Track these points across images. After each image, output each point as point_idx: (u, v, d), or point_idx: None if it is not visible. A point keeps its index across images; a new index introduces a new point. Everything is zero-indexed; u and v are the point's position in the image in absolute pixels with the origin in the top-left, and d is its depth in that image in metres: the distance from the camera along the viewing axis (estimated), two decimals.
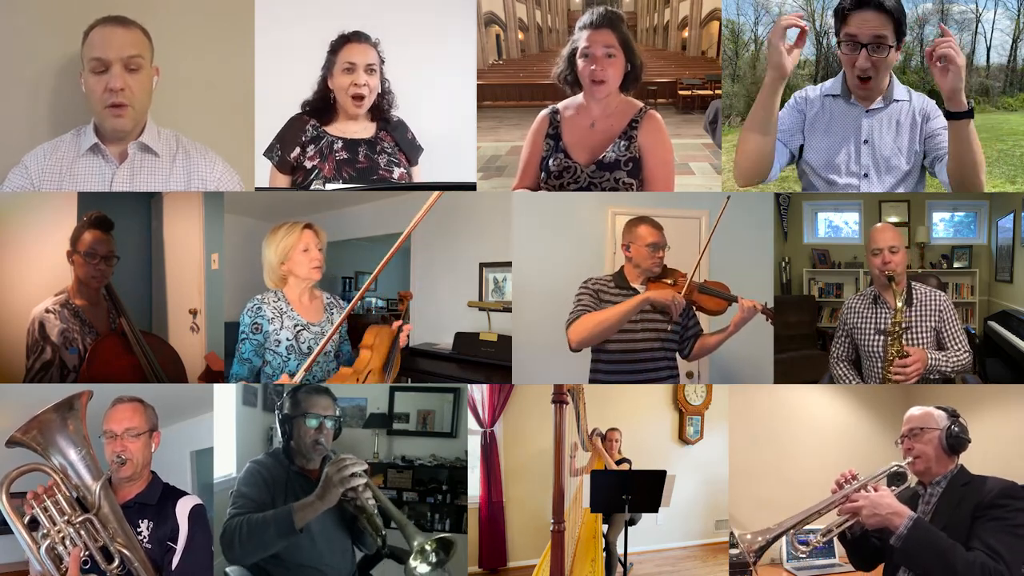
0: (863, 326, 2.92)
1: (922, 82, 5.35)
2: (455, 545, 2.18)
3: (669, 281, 2.89)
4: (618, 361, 2.86)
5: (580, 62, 2.75)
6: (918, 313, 2.86)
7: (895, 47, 2.59)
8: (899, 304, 2.77)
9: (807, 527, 2.22)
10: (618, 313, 2.73)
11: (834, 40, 2.72)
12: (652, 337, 2.87)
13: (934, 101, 2.74)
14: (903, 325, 2.78)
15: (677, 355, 3.01)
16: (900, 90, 2.77)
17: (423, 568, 2.14)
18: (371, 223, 4.93)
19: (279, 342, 2.57)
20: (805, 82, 5.44)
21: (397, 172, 3.07)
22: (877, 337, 2.88)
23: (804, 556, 2.24)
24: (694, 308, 2.93)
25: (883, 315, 2.89)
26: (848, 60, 2.63)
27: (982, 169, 2.58)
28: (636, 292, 2.89)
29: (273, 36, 3.15)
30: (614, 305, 2.79)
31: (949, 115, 2.54)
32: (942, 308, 2.87)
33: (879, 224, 2.96)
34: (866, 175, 2.77)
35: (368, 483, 2.19)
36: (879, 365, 2.87)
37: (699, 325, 3.01)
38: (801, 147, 2.88)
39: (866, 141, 2.77)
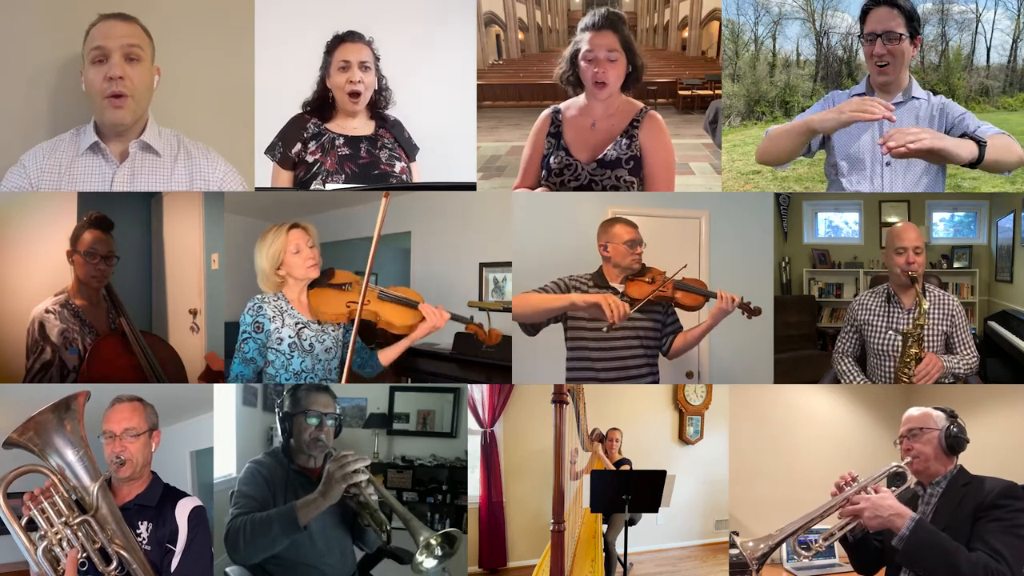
0: (875, 323, 2.93)
1: (923, 81, 5.37)
2: (459, 539, 2.19)
3: (647, 279, 2.89)
4: (595, 359, 2.86)
5: (582, 64, 2.76)
6: (930, 316, 2.87)
7: (909, 39, 2.80)
8: (925, 306, 2.78)
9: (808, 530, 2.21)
10: (542, 302, 2.79)
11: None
12: (630, 335, 2.86)
13: (949, 99, 2.93)
14: (924, 328, 2.80)
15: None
16: (919, 90, 2.91)
17: (430, 561, 2.15)
18: (372, 222, 4.93)
19: (281, 340, 2.58)
20: (805, 81, 5.46)
21: (398, 166, 3.10)
22: (889, 335, 2.88)
23: (807, 560, 2.22)
24: (673, 305, 2.93)
25: (896, 314, 2.89)
26: (868, 51, 2.84)
27: (1013, 147, 2.77)
28: (615, 291, 2.90)
29: (273, 36, 3.15)
30: (547, 295, 2.82)
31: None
32: (953, 312, 2.89)
33: (902, 223, 2.98)
34: (888, 163, 2.84)
35: (370, 479, 2.19)
36: (889, 364, 2.88)
37: (678, 322, 3.01)
38: (824, 140, 2.94)
39: None
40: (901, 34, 2.76)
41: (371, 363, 2.81)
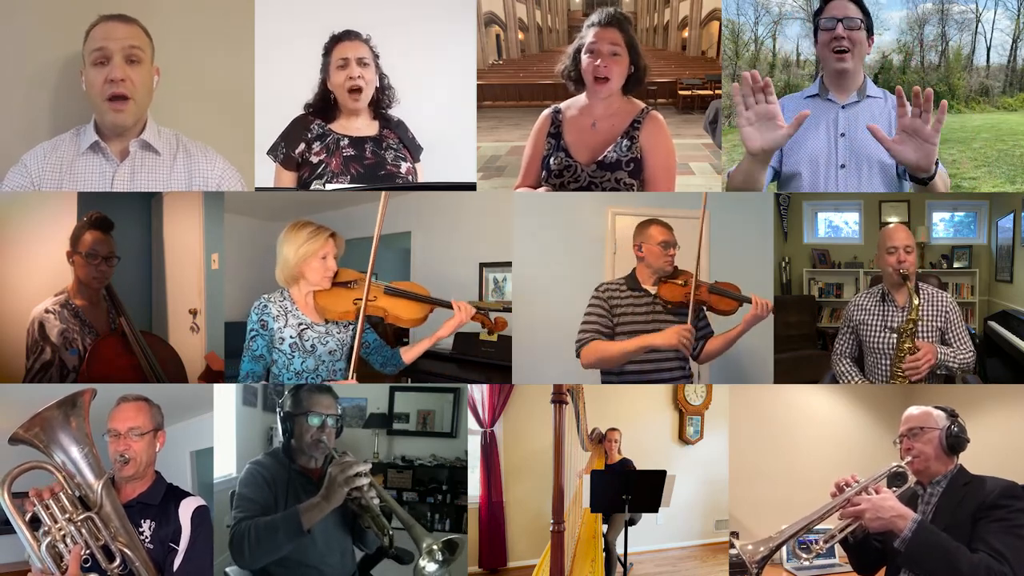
0: (871, 322, 2.94)
1: (921, 82, 5.37)
2: (460, 545, 2.19)
3: (680, 282, 2.89)
4: (631, 361, 2.86)
5: (585, 58, 2.76)
6: (925, 313, 2.88)
7: (867, 32, 2.81)
8: (916, 301, 2.80)
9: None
10: (619, 352, 2.79)
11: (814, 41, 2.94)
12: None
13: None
14: (918, 324, 2.81)
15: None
16: (874, 88, 2.91)
17: (431, 567, 2.16)
18: (372, 222, 4.93)
19: (283, 340, 2.58)
20: (805, 81, 5.46)
21: (404, 167, 3.10)
22: (884, 334, 2.89)
23: (807, 562, 2.21)
24: (704, 309, 2.93)
25: (891, 312, 2.91)
26: (827, 37, 2.83)
27: (947, 184, 2.83)
28: (648, 293, 2.90)
29: (273, 36, 3.15)
30: (620, 341, 2.81)
31: (913, 179, 2.71)
32: (947, 309, 2.91)
33: (892, 224, 3.03)
34: (843, 166, 2.84)
35: (372, 483, 2.19)
36: (886, 362, 2.89)
37: (709, 326, 3.01)
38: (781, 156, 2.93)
39: (843, 134, 2.85)
40: (860, 21, 2.78)
41: (393, 361, 2.82)
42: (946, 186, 2.79)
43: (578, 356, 2.84)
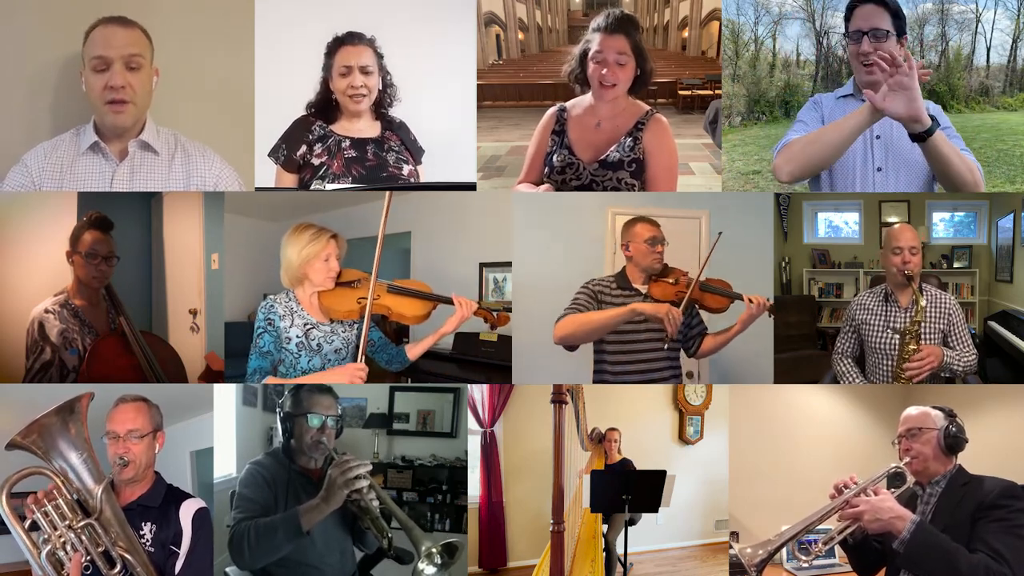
0: (873, 322, 2.93)
1: (922, 82, 5.37)
2: (460, 548, 2.20)
3: (671, 280, 2.88)
4: (621, 362, 2.87)
5: (591, 65, 2.75)
6: (927, 314, 2.87)
7: (897, 38, 2.73)
8: (922, 303, 2.79)
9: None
10: (602, 319, 2.76)
11: (834, 40, 2.85)
12: (655, 337, 2.86)
13: (938, 105, 2.83)
14: (921, 325, 2.81)
15: (682, 354, 3.00)
16: None
17: (430, 570, 2.16)
18: (371, 222, 4.94)
19: (289, 339, 2.59)
20: (805, 81, 5.47)
21: (406, 169, 3.10)
22: (887, 334, 2.89)
23: (807, 565, 2.20)
24: (697, 306, 2.93)
25: (894, 313, 2.90)
26: (855, 50, 2.77)
27: (973, 170, 2.67)
28: (637, 292, 2.90)
29: (273, 36, 3.15)
30: (605, 310, 2.80)
31: (913, 137, 2.60)
32: (950, 311, 2.90)
33: (898, 224, 3.00)
34: (880, 169, 2.80)
35: (372, 484, 2.20)
36: (887, 363, 2.88)
37: (703, 323, 3.01)
38: None
39: (878, 137, 2.81)
40: (888, 31, 2.70)
41: (399, 359, 2.85)
42: (960, 159, 2.63)
43: (553, 331, 2.79)
